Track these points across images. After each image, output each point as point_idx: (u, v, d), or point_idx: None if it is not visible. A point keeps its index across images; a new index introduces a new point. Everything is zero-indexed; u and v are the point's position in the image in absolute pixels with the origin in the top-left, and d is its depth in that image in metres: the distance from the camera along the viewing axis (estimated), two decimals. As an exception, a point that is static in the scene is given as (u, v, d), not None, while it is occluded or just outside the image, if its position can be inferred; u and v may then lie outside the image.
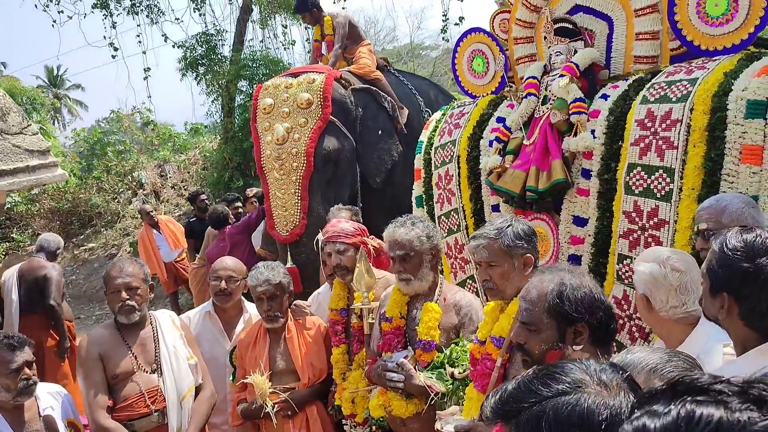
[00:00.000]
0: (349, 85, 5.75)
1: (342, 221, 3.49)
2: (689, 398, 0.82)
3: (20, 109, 3.36)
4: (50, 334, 5.36)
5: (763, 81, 2.83)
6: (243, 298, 3.74)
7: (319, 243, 3.53)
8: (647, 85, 3.28)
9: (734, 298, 1.63)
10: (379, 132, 5.83)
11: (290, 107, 5.43)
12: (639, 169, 3.18)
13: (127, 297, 3.02)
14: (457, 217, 4.20)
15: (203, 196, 8.39)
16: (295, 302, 3.52)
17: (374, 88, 5.94)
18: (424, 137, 4.53)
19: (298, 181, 5.33)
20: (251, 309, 3.67)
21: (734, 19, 3.12)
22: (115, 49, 12.12)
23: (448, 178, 4.24)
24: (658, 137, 3.11)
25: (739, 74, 2.94)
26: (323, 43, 6.59)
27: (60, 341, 5.46)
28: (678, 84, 3.13)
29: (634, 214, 3.22)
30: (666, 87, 3.17)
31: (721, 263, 1.64)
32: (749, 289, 1.60)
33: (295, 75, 5.73)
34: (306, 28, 7.45)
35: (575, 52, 3.65)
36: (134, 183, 13.57)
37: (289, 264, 5.10)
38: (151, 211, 8.59)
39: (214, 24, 12.63)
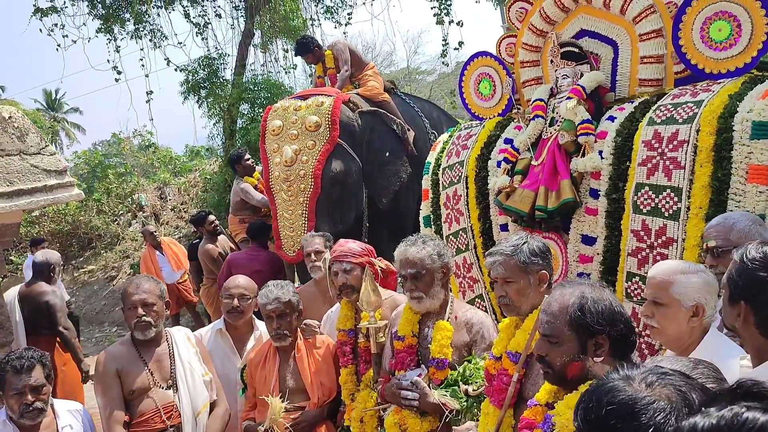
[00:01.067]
0: (357, 108, 5.80)
1: (350, 241, 3.53)
2: (742, 402, 0.86)
3: (38, 129, 3.41)
4: (59, 353, 5.35)
5: (768, 103, 2.91)
6: (254, 316, 3.77)
7: (327, 263, 3.55)
8: (653, 107, 3.36)
9: (751, 307, 1.67)
10: (387, 154, 5.88)
11: (299, 129, 5.50)
12: (647, 188, 3.24)
13: (144, 313, 3.07)
14: (465, 236, 4.25)
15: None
16: (305, 321, 3.53)
17: (382, 111, 5.99)
18: (431, 158, 4.59)
19: (305, 202, 5.38)
20: (262, 327, 3.69)
21: (737, 43, 3.21)
22: (119, 73, 12.26)
23: (456, 198, 4.29)
24: (665, 157, 3.18)
25: (744, 96, 3.02)
26: (326, 77, 6.67)
27: (77, 363, 5.45)
28: (684, 106, 3.20)
29: (642, 233, 3.27)
30: (672, 109, 3.24)
31: (741, 273, 1.69)
32: (765, 298, 1.64)
33: (304, 97, 5.80)
34: (311, 66, 7.55)
35: (581, 75, 3.74)
36: (134, 205, 13.59)
37: (297, 284, 5.13)
38: (155, 232, 8.59)
39: (216, 48, 12.82)
